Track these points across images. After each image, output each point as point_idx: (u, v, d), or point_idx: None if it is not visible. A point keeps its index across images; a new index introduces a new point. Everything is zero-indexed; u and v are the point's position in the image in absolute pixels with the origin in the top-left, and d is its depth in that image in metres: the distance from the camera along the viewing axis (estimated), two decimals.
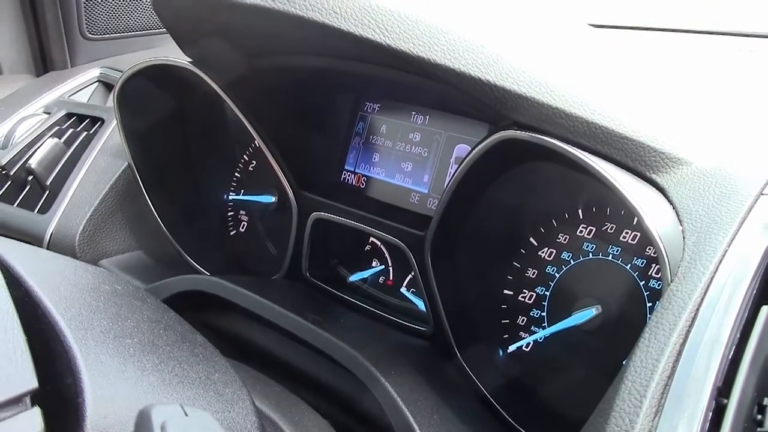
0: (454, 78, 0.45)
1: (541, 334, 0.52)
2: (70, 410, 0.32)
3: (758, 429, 0.33)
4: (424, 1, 0.48)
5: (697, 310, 0.36)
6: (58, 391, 0.33)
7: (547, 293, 0.52)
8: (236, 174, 0.74)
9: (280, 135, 0.63)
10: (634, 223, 0.49)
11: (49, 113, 0.85)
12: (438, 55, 0.45)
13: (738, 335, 0.35)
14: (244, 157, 0.73)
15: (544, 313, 0.52)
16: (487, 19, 0.51)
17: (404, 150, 0.60)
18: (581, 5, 0.90)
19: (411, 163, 0.59)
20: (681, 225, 0.40)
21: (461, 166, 0.49)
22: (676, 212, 0.42)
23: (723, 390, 0.34)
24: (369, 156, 0.62)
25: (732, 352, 0.35)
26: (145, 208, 0.70)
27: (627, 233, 0.49)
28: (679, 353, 0.35)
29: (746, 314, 0.35)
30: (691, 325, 0.36)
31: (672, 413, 0.33)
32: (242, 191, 0.73)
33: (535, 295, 0.53)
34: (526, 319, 0.53)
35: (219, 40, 0.57)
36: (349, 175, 0.63)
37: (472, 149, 0.48)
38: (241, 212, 0.74)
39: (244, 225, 0.74)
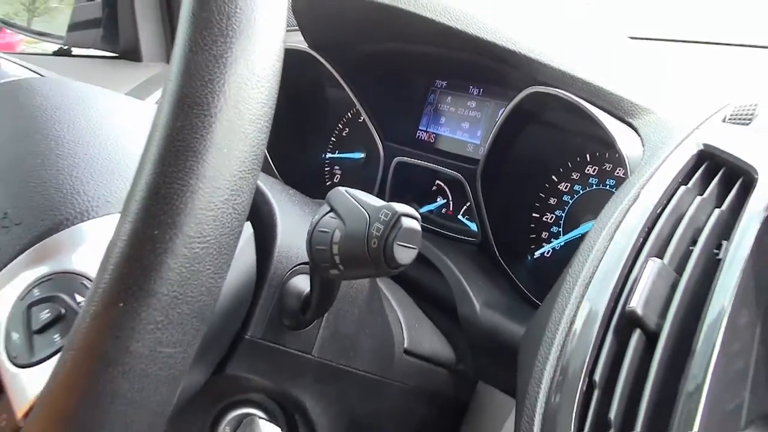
0: (502, 52, 0.70)
1: (556, 242, 0.76)
2: (268, 225, 0.55)
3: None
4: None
5: (637, 198, 0.59)
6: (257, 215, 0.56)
7: (563, 214, 0.76)
8: (332, 138, 0.99)
9: (372, 104, 0.88)
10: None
11: None
12: (493, 38, 0.70)
13: (659, 211, 0.57)
14: (339, 125, 0.98)
15: (560, 229, 0.76)
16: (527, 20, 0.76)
17: (463, 114, 0.84)
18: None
19: (468, 123, 0.83)
20: (643, 148, 0.63)
21: (499, 119, 0.73)
22: (642, 141, 0.65)
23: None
24: (438, 119, 0.87)
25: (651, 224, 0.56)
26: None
27: (619, 170, 0.72)
28: (617, 228, 0.57)
29: (667, 199, 0.58)
30: (629, 208, 0.59)
31: (599, 284, 0.55)
32: (337, 151, 0.99)
33: (554, 216, 0.76)
34: (547, 233, 0.77)
35: (337, 31, 0.82)
36: (422, 133, 0.88)
37: (506, 106, 0.72)
38: (336, 167, 0.99)
39: (337, 177, 0.99)
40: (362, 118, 0.89)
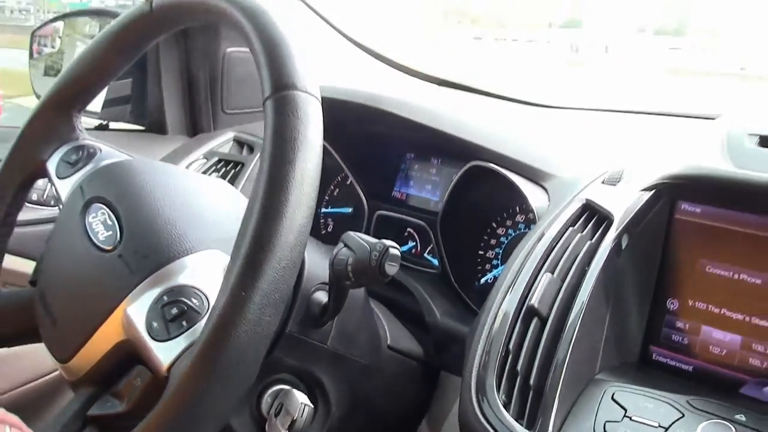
0: (453, 138, 1.02)
1: (496, 271, 1.06)
2: None
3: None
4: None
5: (541, 236, 0.90)
6: None
7: (500, 251, 1.06)
8: (326, 197, 1.30)
9: (357, 169, 1.19)
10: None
11: (206, 159, 1.43)
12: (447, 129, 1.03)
13: (554, 244, 0.87)
14: (331, 186, 1.29)
15: (499, 261, 1.06)
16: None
17: (427, 178, 1.15)
18: None
19: (430, 185, 1.14)
20: (549, 202, 0.94)
21: (452, 183, 1.05)
22: (548, 197, 0.95)
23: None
24: (408, 182, 1.18)
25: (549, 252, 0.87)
26: None
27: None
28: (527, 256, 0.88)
29: (556, 242, 0.88)
30: (536, 243, 0.89)
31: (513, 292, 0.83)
32: (330, 207, 1.30)
33: (494, 252, 1.07)
34: (489, 265, 1.07)
35: (334, 117, 1.13)
36: (396, 192, 1.19)
37: (457, 174, 1.04)
38: (329, 219, 1.30)
39: (330, 227, 1.29)
40: (350, 180, 1.21)
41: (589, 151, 1.06)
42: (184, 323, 0.70)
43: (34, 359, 1.36)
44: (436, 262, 1.11)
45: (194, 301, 0.71)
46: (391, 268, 0.72)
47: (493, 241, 1.07)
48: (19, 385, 1.38)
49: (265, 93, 0.68)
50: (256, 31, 0.71)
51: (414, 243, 1.16)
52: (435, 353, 1.01)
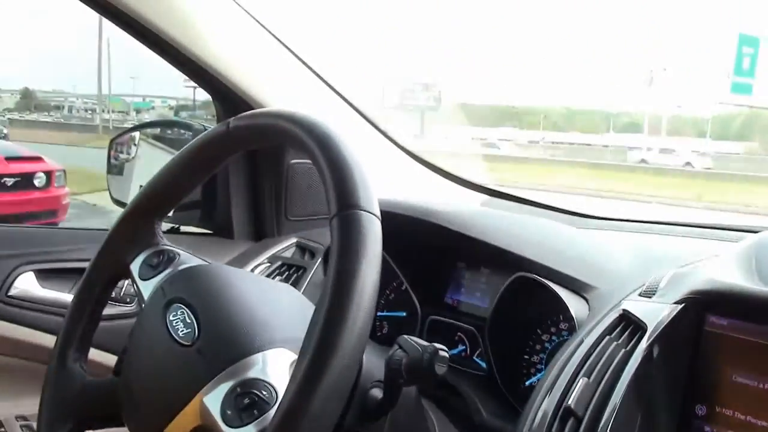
0: (501, 252, 1.12)
1: (540, 375, 1.15)
2: None
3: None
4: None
5: (580, 343, 0.98)
6: None
7: (544, 356, 1.15)
8: (382, 300, 1.40)
9: (412, 277, 1.30)
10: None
11: (270, 263, 1.55)
12: (497, 243, 1.13)
13: (592, 351, 0.96)
14: (387, 291, 1.39)
15: (543, 366, 1.15)
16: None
17: (476, 286, 1.25)
18: None
19: (479, 293, 1.24)
20: (589, 312, 1.03)
21: (500, 292, 1.14)
22: (588, 307, 1.04)
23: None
24: (458, 289, 1.28)
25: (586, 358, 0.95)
26: None
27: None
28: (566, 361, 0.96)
29: (593, 349, 0.97)
30: (575, 350, 0.97)
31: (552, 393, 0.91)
32: (385, 310, 1.40)
33: (539, 357, 1.15)
34: (534, 369, 1.16)
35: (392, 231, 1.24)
36: (448, 299, 1.29)
37: (505, 283, 1.14)
38: (384, 322, 1.40)
39: (385, 329, 1.39)
40: (404, 286, 1.31)
41: (630, 262, 1.15)
42: (255, 412, 0.79)
43: None
44: (484, 364, 1.20)
45: (264, 393, 0.81)
46: (441, 369, 0.81)
47: (537, 347, 1.16)
48: None
49: (332, 211, 0.79)
50: (324, 155, 0.82)
51: (464, 346, 1.25)
52: None
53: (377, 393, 0.90)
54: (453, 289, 1.29)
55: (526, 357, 1.17)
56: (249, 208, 1.71)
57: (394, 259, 1.28)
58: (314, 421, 0.71)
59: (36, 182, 9.41)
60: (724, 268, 0.94)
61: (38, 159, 10.01)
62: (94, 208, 11.12)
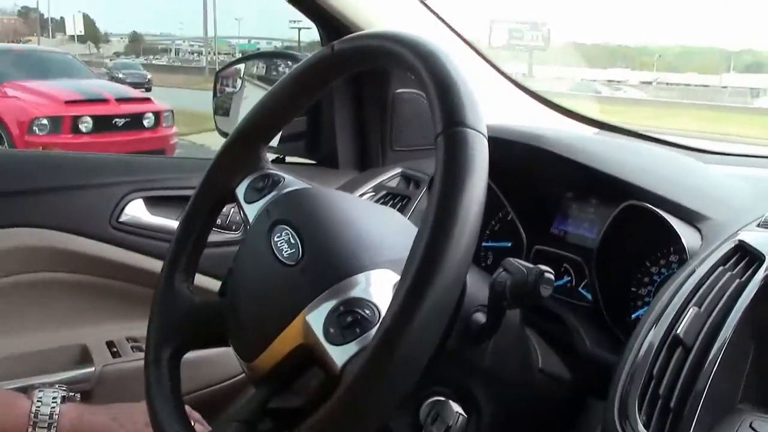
0: (610, 178, 1.10)
1: (647, 308, 1.13)
2: None
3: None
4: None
5: (692, 273, 0.95)
6: None
7: (653, 288, 1.13)
8: (487, 231, 1.40)
9: (518, 207, 1.29)
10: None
11: (375, 192, 1.56)
12: (605, 168, 1.11)
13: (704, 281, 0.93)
14: (492, 221, 1.39)
15: (650, 298, 1.13)
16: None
17: (584, 217, 1.23)
18: None
19: (587, 223, 1.22)
20: (702, 242, 1.00)
21: (608, 221, 1.12)
22: (701, 237, 1.01)
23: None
24: (565, 220, 1.26)
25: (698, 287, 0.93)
26: None
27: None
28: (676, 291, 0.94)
29: (706, 279, 0.94)
30: (686, 279, 0.95)
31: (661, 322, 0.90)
32: (490, 240, 1.39)
33: (646, 290, 1.14)
34: (641, 302, 1.14)
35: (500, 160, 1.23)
36: (554, 229, 1.27)
37: (614, 212, 1.12)
38: (489, 252, 1.39)
39: (490, 260, 1.39)
40: (510, 216, 1.30)
41: (749, 194, 1.12)
42: (357, 330, 0.81)
43: (217, 364, 1.52)
44: (589, 296, 1.19)
45: (367, 311, 0.82)
46: (545, 291, 0.81)
47: (645, 279, 1.14)
48: (203, 387, 1.55)
49: (437, 129, 0.78)
50: (430, 73, 0.82)
51: (569, 277, 1.24)
52: (583, 379, 1.08)
53: (480, 317, 0.91)
54: (560, 219, 1.27)
55: (633, 289, 1.15)
56: (354, 138, 1.73)
57: (500, 188, 1.27)
58: (416, 339, 0.71)
59: (145, 122, 9.72)
60: None
61: (147, 100, 10.33)
62: (201, 147, 11.41)
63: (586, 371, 1.08)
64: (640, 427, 0.81)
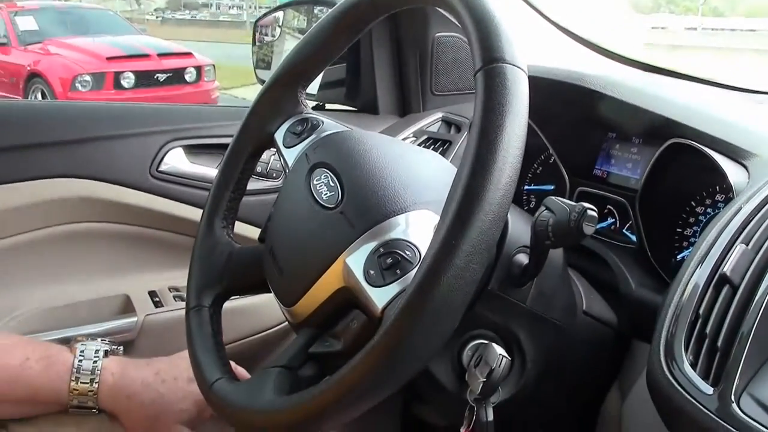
0: (653, 116, 1.08)
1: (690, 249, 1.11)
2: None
3: None
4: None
5: (738, 210, 0.93)
6: None
7: (698, 229, 1.11)
8: (529, 174, 1.38)
9: (560, 149, 1.27)
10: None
11: (416, 137, 1.55)
12: (648, 106, 1.08)
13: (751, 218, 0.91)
14: (534, 164, 1.37)
15: (696, 239, 1.11)
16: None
17: (628, 157, 1.21)
18: None
19: (631, 163, 1.20)
20: (749, 180, 0.98)
21: (652, 160, 1.10)
22: (749, 175, 0.99)
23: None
24: (609, 160, 1.24)
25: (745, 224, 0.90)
26: None
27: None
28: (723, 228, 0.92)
29: (753, 216, 0.91)
30: (733, 216, 0.92)
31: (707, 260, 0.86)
32: (532, 184, 1.38)
33: (692, 230, 1.11)
34: (687, 243, 1.12)
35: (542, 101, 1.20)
36: (597, 170, 1.25)
37: (657, 151, 1.09)
38: (531, 196, 1.38)
39: (533, 203, 1.38)
40: (552, 159, 1.29)
41: None
42: (398, 271, 0.80)
43: (258, 313, 1.53)
44: (634, 237, 1.17)
45: (407, 252, 0.81)
46: (589, 228, 0.79)
47: (691, 219, 1.12)
48: (244, 336, 1.56)
49: (476, 66, 0.77)
50: (468, 10, 0.80)
51: (613, 219, 1.22)
52: (628, 321, 1.07)
53: (523, 258, 0.90)
54: (603, 159, 1.25)
55: (678, 230, 1.13)
56: (394, 83, 1.71)
57: (542, 129, 1.25)
58: (457, 277, 0.70)
59: (187, 77, 9.77)
60: None
61: (188, 54, 10.34)
62: (243, 101, 11.43)
63: (631, 313, 1.07)
64: (687, 367, 0.80)
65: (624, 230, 1.20)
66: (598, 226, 1.22)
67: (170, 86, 9.47)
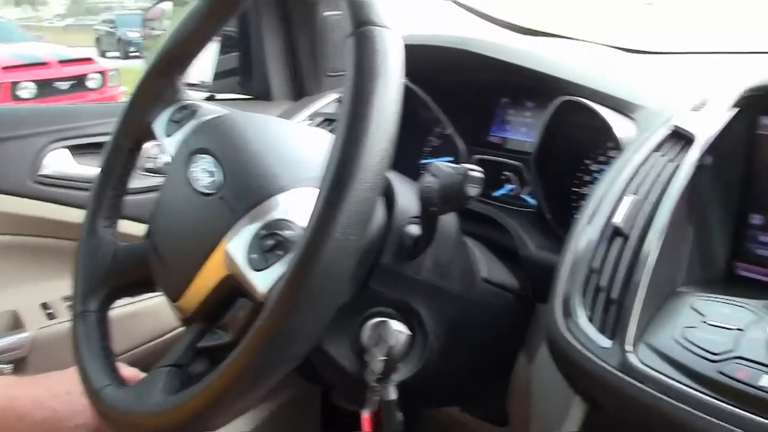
0: (542, 76, 1.08)
1: None
2: (390, 195, 0.93)
3: None
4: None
5: (627, 162, 0.94)
6: (385, 190, 0.93)
7: (593, 185, 1.12)
8: (426, 148, 1.38)
9: (454, 120, 1.27)
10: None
11: (311, 120, 1.53)
12: (536, 66, 1.08)
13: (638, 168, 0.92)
14: (430, 137, 1.37)
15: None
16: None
17: (521, 121, 1.21)
18: None
19: (525, 127, 1.21)
20: (637, 131, 0.99)
21: (545, 120, 1.11)
22: (637, 127, 1.00)
23: None
24: (503, 126, 1.24)
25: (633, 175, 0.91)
26: None
27: None
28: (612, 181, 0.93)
29: (641, 166, 0.92)
30: (622, 168, 0.94)
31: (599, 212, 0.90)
32: (429, 157, 1.38)
33: (588, 188, 1.13)
34: (584, 200, 1.13)
35: (427, 68, 1.20)
36: (492, 137, 1.26)
37: (550, 111, 1.10)
38: None
39: None
40: (448, 131, 1.28)
41: (687, 83, 1.11)
42: (279, 252, 0.78)
43: (159, 316, 1.49)
44: (533, 201, 1.17)
45: (289, 232, 0.80)
46: (473, 189, 0.79)
47: (587, 177, 1.13)
48: (147, 340, 1.51)
49: (347, 31, 0.76)
50: None
51: (513, 185, 1.22)
52: (529, 285, 1.07)
53: (414, 229, 0.89)
54: (497, 126, 1.26)
55: (575, 189, 1.14)
56: (286, 68, 1.69)
57: (434, 100, 1.25)
58: (336, 248, 0.69)
59: (90, 84, 9.53)
60: None
61: (90, 60, 10.09)
62: None
63: (532, 276, 1.07)
64: (584, 321, 0.81)
65: (523, 195, 1.21)
66: (498, 193, 1.23)
67: (73, 94, 9.21)
